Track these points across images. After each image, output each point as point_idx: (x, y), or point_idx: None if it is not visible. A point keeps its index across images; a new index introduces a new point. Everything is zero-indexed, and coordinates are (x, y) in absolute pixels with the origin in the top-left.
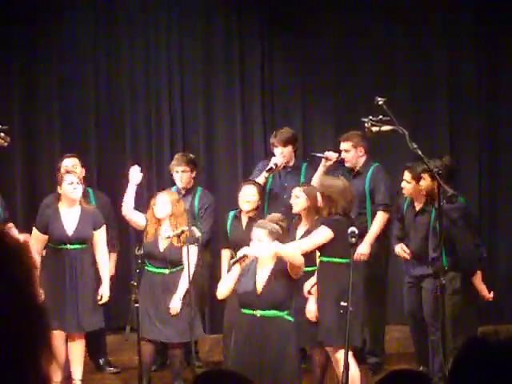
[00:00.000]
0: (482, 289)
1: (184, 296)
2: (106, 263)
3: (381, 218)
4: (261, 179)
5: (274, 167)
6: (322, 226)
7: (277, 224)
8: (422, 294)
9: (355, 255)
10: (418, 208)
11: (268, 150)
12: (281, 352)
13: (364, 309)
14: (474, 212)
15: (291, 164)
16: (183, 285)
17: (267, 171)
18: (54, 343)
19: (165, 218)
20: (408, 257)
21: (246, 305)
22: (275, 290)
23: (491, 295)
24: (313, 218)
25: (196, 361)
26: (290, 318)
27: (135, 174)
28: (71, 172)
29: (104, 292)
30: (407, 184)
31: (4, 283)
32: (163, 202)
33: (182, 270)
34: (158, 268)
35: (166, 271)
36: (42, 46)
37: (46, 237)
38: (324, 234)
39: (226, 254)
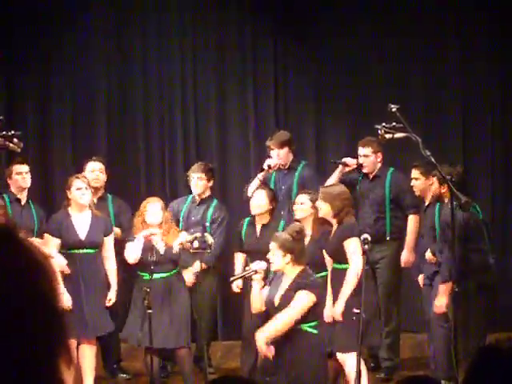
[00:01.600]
0: (439, 301)
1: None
2: (114, 269)
3: (414, 221)
4: (255, 182)
5: (266, 168)
6: (351, 240)
7: (291, 236)
8: (432, 292)
9: (402, 263)
10: (426, 204)
11: None
12: (301, 363)
13: (380, 314)
14: (483, 218)
15: (288, 166)
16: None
17: (260, 171)
18: (72, 349)
19: (154, 225)
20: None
21: (269, 314)
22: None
23: (444, 310)
24: (317, 225)
25: (208, 367)
26: (311, 331)
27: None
28: (80, 177)
29: (112, 297)
30: (416, 181)
31: (27, 289)
32: (155, 209)
33: (180, 273)
34: (154, 273)
35: (163, 275)
36: (56, 48)
37: (58, 241)
38: (358, 245)
39: (238, 256)
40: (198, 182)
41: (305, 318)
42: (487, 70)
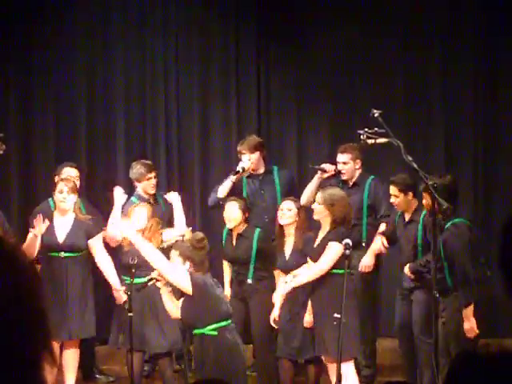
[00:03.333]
0: (469, 324)
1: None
2: (109, 267)
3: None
4: (227, 184)
5: (241, 170)
6: (332, 243)
7: (191, 244)
8: (413, 307)
9: (360, 267)
10: (407, 219)
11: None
12: (217, 368)
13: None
14: (474, 232)
15: (262, 171)
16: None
17: (234, 174)
18: (54, 350)
19: (140, 231)
20: (383, 250)
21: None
22: (186, 311)
23: (476, 331)
24: (301, 233)
25: (188, 369)
26: (211, 333)
27: (119, 196)
28: (64, 180)
29: (118, 296)
30: (396, 198)
31: (10, 288)
32: (140, 215)
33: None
34: (137, 278)
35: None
36: (37, 49)
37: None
38: (337, 250)
39: (225, 264)
40: (155, 180)
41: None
42: (471, 72)
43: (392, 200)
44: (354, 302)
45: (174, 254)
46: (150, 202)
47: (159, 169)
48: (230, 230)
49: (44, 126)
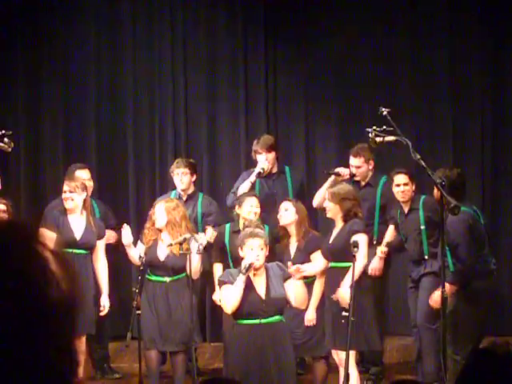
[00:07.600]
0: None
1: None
2: (105, 273)
3: (393, 231)
4: (246, 186)
5: (261, 172)
6: (359, 236)
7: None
8: (419, 294)
9: (369, 271)
10: (406, 210)
11: None
12: (285, 354)
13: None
14: (480, 225)
15: (275, 171)
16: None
17: (256, 176)
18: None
19: (164, 227)
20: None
21: (248, 314)
22: (278, 296)
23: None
24: (302, 232)
25: (196, 369)
26: (284, 320)
27: (126, 235)
28: (67, 180)
29: (105, 302)
30: (406, 187)
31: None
32: (160, 212)
33: (183, 278)
34: (158, 276)
35: (167, 279)
36: (46, 48)
37: (54, 237)
38: (365, 240)
39: (218, 267)
40: (183, 177)
41: None
42: (477, 71)
43: (403, 188)
44: (363, 299)
45: (261, 243)
46: (180, 198)
47: (166, 168)
48: (237, 230)
49: (52, 126)
